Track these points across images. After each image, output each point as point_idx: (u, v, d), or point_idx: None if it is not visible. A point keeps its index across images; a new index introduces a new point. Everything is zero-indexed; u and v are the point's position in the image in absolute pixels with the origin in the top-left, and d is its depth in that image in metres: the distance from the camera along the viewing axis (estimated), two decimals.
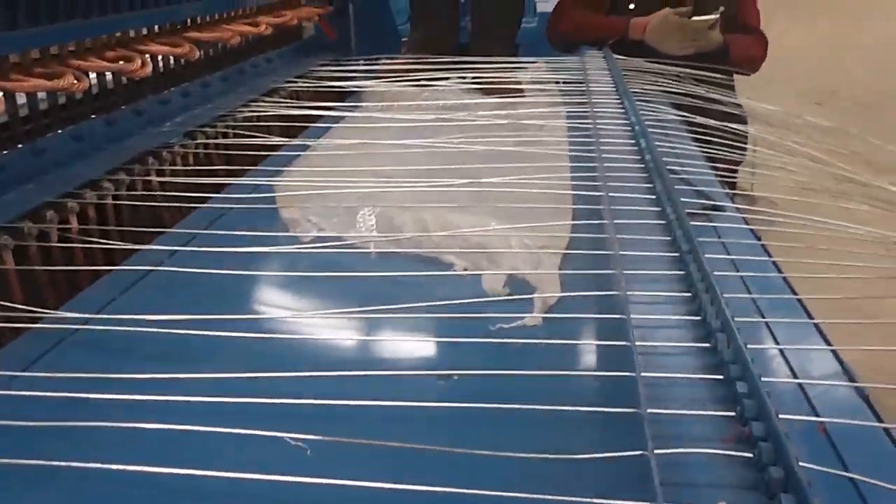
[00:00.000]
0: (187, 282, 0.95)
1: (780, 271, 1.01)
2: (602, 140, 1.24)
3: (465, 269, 1.05)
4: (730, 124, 1.50)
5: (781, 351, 0.79)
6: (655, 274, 0.82)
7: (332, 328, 0.91)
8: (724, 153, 1.37)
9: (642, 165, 1.14)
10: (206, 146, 1.46)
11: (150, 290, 0.96)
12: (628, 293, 0.76)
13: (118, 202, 1.20)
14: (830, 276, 0.93)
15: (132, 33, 1.37)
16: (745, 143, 1.48)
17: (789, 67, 4.03)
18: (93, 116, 1.27)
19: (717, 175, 1.36)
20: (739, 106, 1.76)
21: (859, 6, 6.32)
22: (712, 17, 2.00)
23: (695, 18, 2.02)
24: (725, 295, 0.73)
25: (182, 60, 1.51)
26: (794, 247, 1.01)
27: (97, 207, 1.16)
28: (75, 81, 1.10)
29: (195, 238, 1.09)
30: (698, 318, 0.73)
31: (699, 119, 1.55)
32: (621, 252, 0.84)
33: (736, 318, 0.69)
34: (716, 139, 1.40)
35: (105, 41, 1.29)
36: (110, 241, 1.07)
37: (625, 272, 0.79)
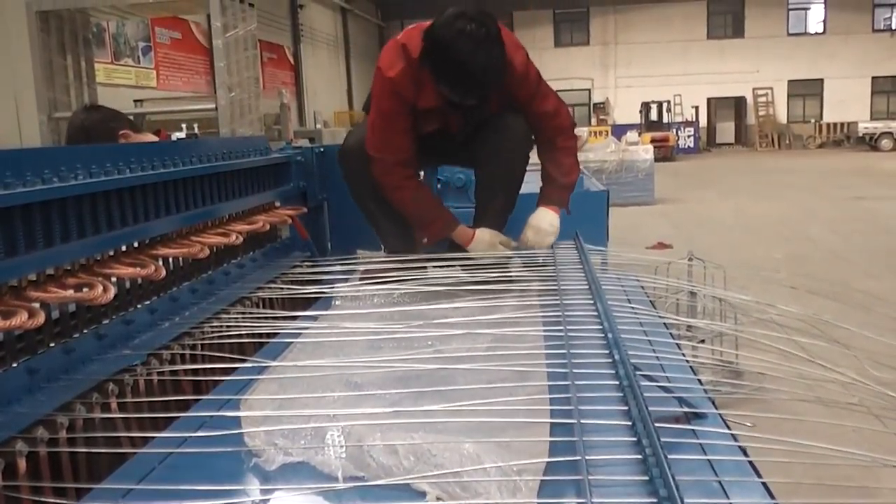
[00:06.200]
0: None
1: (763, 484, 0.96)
2: (574, 352, 1.21)
3: (438, 499, 1.00)
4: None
5: None
6: None
7: None
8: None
9: (616, 382, 1.11)
10: (172, 371, 1.40)
11: None
12: None
13: (67, 448, 1.14)
14: None
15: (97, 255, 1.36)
16: None
17: None
18: (51, 345, 1.22)
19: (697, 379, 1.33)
20: None
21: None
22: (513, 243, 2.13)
23: (501, 241, 2.11)
24: None
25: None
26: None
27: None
28: (28, 318, 1.07)
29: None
30: None
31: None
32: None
33: None
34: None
35: (66, 267, 1.27)
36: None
37: None
